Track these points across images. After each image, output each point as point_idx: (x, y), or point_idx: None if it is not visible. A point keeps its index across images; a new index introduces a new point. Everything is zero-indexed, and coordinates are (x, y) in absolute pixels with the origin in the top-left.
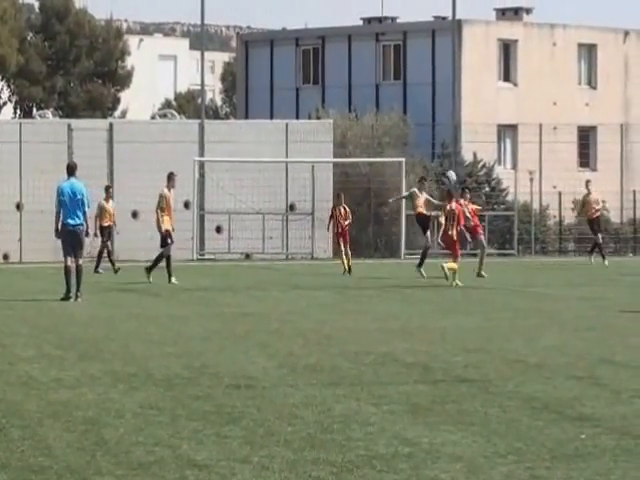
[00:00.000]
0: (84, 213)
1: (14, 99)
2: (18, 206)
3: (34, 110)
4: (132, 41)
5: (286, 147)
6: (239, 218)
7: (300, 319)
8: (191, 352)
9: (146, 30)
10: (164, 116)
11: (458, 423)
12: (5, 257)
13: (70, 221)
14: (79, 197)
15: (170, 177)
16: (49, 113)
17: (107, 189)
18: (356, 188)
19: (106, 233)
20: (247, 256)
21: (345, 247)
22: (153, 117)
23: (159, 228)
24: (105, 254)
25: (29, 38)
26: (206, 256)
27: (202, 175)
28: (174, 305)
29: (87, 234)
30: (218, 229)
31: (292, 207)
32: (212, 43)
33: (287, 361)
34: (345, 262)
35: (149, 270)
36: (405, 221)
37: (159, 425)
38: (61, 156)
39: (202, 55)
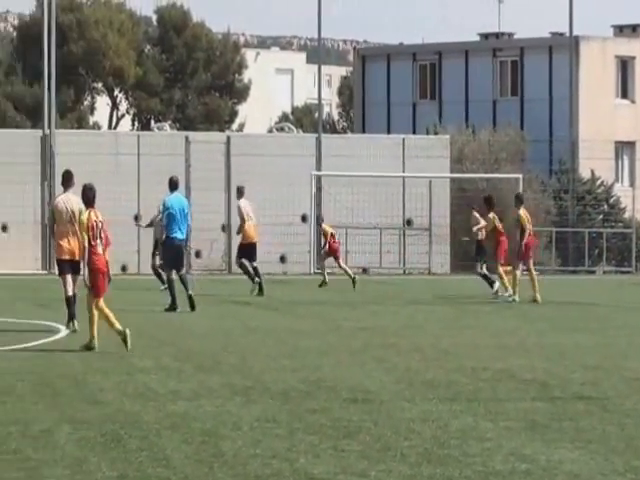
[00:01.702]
0: (187, 227)
1: (132, 111)
2: (136, 217)
3: (152, 122)
4: (249, 54)
5: (403, 162)
6: (356, 232)
7: (417, 334)
8: (308, 366)
9: (263, 43)
10: (281, 130)
11: (575, 440)
12: (123, 269)
13: (178, 235)
14: (186, 212)
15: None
16: (167, 125)
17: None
18: (473, 204)
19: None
20: (364, 270)
21: None
22: (270, 130)
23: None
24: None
25: (147, 51)
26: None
27: (319, 189)
28: (291, 319)
29: (188, 248)
30: None
31: (409, 222)
32: (329, 57)
33: (404, 376)
34: None
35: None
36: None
37: (276, 438)
38: (178, 168)
39: (319, 69)
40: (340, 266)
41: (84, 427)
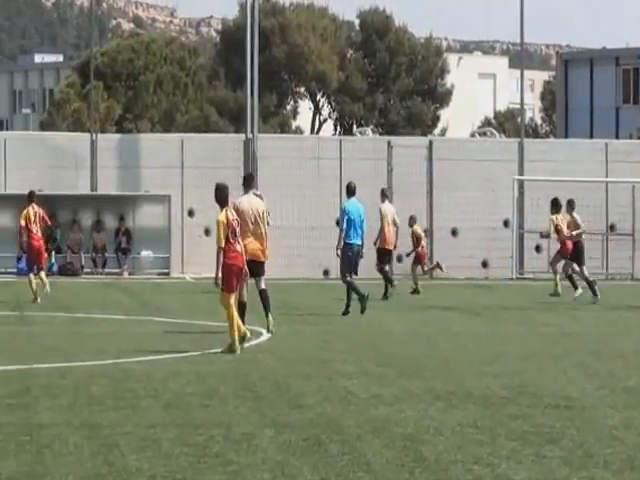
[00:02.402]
0: (363, 233)
1: (334, 116)
2: (338, 222)
3: (354, 127)
4: (451, 59)
5: (606, 167)
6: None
7: (620, 340)
8: (510, 371)
9: (466, 48)
10: (484, 134)
11: None
12: (325, 273)
13: (357, 241)
14: (363, 218)
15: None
16: (369, 130)
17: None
18: None
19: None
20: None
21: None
22: (472, 135)
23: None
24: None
25: (349, 55)
26: (525, 275)
27: (521, 194)
28: (493, 324)
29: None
30: (537, 248)
31: (612, 227)
32: (532, 62)
33: (607, 382)
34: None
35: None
36: None
37: (478, 444)
38: (380, 173)
39: (522, 73)
40: (424, 272)
41: (286, 431)
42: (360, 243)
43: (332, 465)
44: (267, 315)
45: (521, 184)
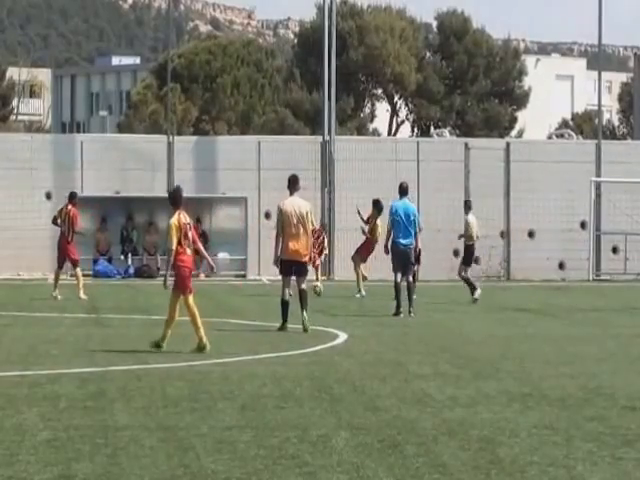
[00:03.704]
0: (415, 233)
1: (412, 117)
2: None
3: (431, 129)
4: (529, 61)
5: None
6: (636, 239)
7: None
8: (586, 373)
9: (543, 50)
10: (561, 136)
11: None
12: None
13: (402, 240)
14: (412, 218)
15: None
16: (446, 132)
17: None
18: None
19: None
20: None
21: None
22: (550, 137)
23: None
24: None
25: (427, 57)
26: (602, 277)
27: (598, 195)
28: (569, 325)
29: (418, 256)
30: (614, 250)
31: None
32: (610, 63)
33: None
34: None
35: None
36: None
37: (553, 445)
38: (458, 175)
39: (599, 75)
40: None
41: (362, 433)
42: (407, 243)
43: (407, 467)
44: (302, 312)
45: (598, 186)
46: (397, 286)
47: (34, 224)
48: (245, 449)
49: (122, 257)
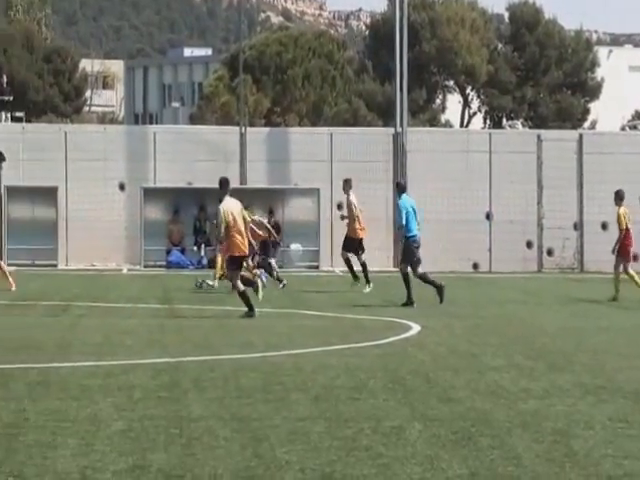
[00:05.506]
0: (419, 224)
1: (484, 109)
2: (488, 216)
3: (504, 120)
4: (602, 52)
5: None
6: None
7: None
8: None
9: (616, 41)
10: (634, 128)
11: None
12: (475, 266)
13: (418, 233)
14: (416, 210)
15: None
16: (518, 123)
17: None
18: None
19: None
20: None
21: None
22: (623, 129)
23: None
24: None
25: (499, 48)
26: None
27: None
28: None
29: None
30: None
31: None
32: None
33: None
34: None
35: None
36: None
37: (628, 438)
38: (530, 167)
39: None
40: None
41: (435, 424)
42: (419, 235)
43: (481, 459)
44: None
45: None
46: (406, 276)
47: (108, 215)
48: (318, 440)
49: (195, 248)
